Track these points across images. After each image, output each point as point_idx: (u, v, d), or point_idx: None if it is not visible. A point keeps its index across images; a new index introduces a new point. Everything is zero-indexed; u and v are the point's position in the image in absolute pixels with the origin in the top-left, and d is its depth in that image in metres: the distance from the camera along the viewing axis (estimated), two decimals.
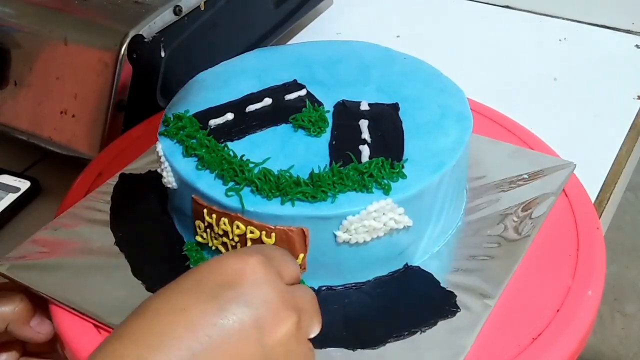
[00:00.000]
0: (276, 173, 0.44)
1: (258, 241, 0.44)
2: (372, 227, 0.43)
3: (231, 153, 0.47)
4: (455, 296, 0.45)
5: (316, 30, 0.90)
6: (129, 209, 0.53)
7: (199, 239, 0.47)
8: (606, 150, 0.68)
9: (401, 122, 0.50)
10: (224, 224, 0.44)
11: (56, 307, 0.46)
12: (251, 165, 0.45)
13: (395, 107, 0.51)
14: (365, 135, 0.48)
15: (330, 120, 0.50)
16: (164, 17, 0.64)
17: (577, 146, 0.65)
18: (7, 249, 0.52)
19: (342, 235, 0.43)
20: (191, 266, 0.47)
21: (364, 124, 0.49)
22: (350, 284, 0.46)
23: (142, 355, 0.30)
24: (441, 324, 0.43)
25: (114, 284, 0.47)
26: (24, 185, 0.69)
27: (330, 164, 0.46)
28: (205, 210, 0.45)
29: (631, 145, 0.69)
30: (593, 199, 0.60)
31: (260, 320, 0.32)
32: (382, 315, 0.44)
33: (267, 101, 0.52)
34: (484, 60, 0.83)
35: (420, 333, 0.43)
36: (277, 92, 0.53)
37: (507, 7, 0.93)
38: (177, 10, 0.65)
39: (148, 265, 0.48)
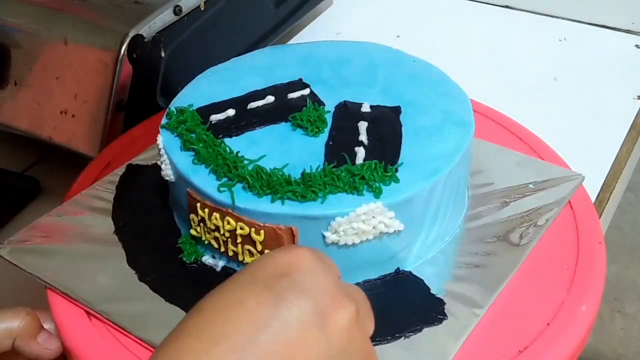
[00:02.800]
0: (269, 171, 0.44)
1: (247, 238, 0.44)
2: (360, 229, 0.43)
3: (227, 149, 0.47)
4: (444, 304, 0.44)
5: (316, 30, 0.90)
6: (132, 199, 0.54)
7: (193, 232, 0.48)
8: (606, 150, 0.68)
9: (401, 125, 0.49)
10: (216, 218, 0.44)
11: (52, 293, 0.47)
12: (245, 162, 0.46)
13: (396, 110, 0.51)
14: (363, 137, 0.48)
15: (330, 121, 0.50)
16: (164, 17, 0.64)
17: (577, 146, 0.65)
18: None
19: (330, 237, 0.43)
20: (184, 259, 0.48)
21: (362, 125, 0.49)
22: None
23: (204, 349, 0.30)
24: (426, 330, 0.43)
25: (108, 273, 0.48)
26: (24, 185, 0.69)
27: (324, 164, 0.46)
28: (198, 205, 0.45)
29: (631, 145, 0.69)
30: (593, 199, 0.60)
31: (319, 306, 0.31)
32: None
33: (270, 99, 0.52)
34: (484, 60, 0.83)
35: (405, 338, 0.42)
36: (280, 90, 0.53)
37: (507, 7, 0.93)
38: (177, 10, 0.65)
39: (143, 256, 0.49)
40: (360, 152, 0.46)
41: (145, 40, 0.62)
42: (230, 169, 0.45)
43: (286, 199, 0.43)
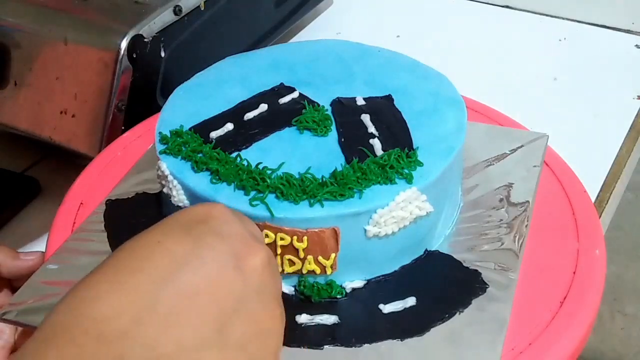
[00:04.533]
0: (298, 176, 0.44)
1: (289, 247, 0.43)
2: (400, 217, 0.44)
3: (245, 162, 0.46)
4: (480, 273, 0.46)
5: (316, 30, 0.90)
6: (130, 236, 0.51)
7: None
8: (606, 150, 0.68)
9: (400, 112, 0.50)
10: None
11: None
12: (268, 171, 0.45)
13: (389, 98, 0.52)
14: (372, 129, 0.49)
15: (331, 119, 0.50)
16: (164, 17, 0.64)
17: (577, 146, 0.65)
18: None
19: (372, 230, 0.44)
20: None
21: (366, 118, 0.50)
22: (379, 276, 0.46)
23: (120, 280, 0.30)
24: (474, 301, 0.44)
25: None
26: (24, 185, 0.69)
27: (348, 161, 0.46)
28: None
29: (631, 145, 0.70)
30: (593, 199, 0.60)
31: (235, 250, 0.33)
32: (417, 302, 0.45)
33: (263, 107, 0.51)
34: (484, 60, 0.83)
35: (459, 314, 0.44)
36: (269, 97, 0.53)
37: (507, 7, 0.93)
38: (177, 10, 0.65)
39: None
40: (377, 144, 0.47)
41: (145, 40, 0.62)
42: (257, 182, 0.44)
43: (324, 200, 0.43)
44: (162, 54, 0.64)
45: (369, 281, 0.46)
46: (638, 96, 0.75)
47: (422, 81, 0.54)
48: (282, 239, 0.43)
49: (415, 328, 0.43)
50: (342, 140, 0.48)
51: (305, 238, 0.43)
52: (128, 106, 0.63)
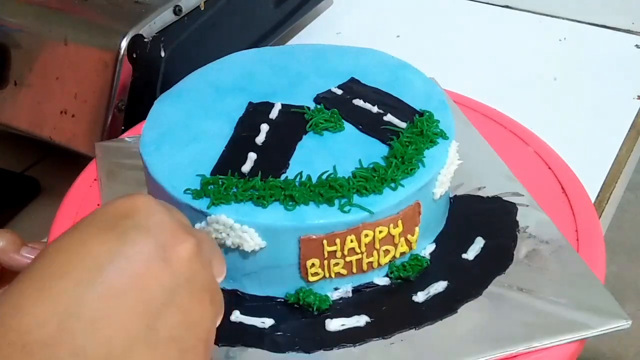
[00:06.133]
0: (364, 171, 0.45)
1: (386, 237, 0.44)
2: (451, 171, 0.47)
3: (306, 179, 0.45)
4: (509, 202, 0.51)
5: (316, 30, 0.90)
6: None
7: (311, 279, 0.44)
8: (606, 150, 0.68)
9: (378, 88, 0.52)
10: (351, 241, 0.43)
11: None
12: (337, 177, 0.45)
13: (355, 81, 0.53)
14: (374, 109, 0.50)
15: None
16: (164, 17, 0.64)
17: (577, 146, 0.65)
18: None
19: (438, 191, 0.46)
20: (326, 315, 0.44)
21: (360, 102, 0.51)
22: (441, 232, 0.49)
23: (46, 286, 0.29)
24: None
25: None
26: (23, 185, 0.69)
27: (383, 142, 0.47)
28: (325, 242, 0.43)
29: (631, 145, 0.69)
30: (593, 199, 0.60)
31: (161, 241, 0.32)
32: (486, 241, 0.48)
33: (265, 127, 0.49)
34: (484, 60, 0.83)
35: (519, 232, 0.49)
36: (257, 117, 0.50)
37: (507, 7, 0.93)
38: (177, 10, 0.65)
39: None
40: (393, 119, 0.49)
41: (145, 40, 0.62)
42: (337, 190, 0.44)
43: (401, 180, 0.44)
44: (162, 54, 0.64)
45: (436, 241, 0.48)
46: (638, 96, 0.75)
47: (362, 59, 0.56)
48: (380, 231, 0.44)
49: (501, 266, 0.46)
50: (360, 127, 0.49)
51: (399, 221, 0.44)
52: (128, 106, 0.63)
